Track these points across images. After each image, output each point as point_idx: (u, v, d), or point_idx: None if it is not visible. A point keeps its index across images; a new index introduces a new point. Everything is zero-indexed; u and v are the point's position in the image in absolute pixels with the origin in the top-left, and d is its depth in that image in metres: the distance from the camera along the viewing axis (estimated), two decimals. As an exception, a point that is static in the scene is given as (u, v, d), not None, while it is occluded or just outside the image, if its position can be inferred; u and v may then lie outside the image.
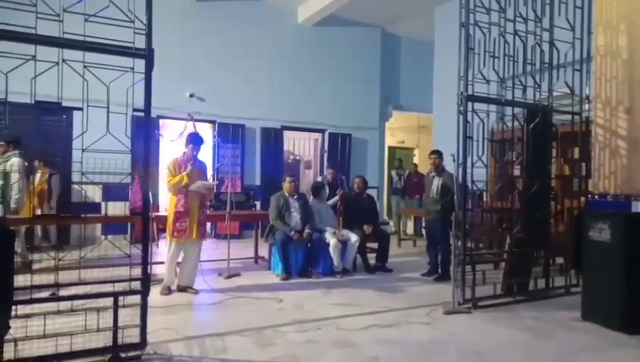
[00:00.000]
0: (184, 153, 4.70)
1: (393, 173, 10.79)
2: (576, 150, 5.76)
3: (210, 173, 7.11)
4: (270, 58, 9.33)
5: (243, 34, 9.10)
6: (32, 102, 2.75)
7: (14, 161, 5.19)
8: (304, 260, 5.64)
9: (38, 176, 6.72)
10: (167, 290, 4.61)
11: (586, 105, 5.10)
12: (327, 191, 6.62)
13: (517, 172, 5.27)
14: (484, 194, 5.32)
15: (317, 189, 6.28)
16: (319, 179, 7.06)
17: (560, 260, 5.35)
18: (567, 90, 5.04)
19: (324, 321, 3.87)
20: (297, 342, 3.39)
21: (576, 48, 4.99)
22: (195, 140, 4.71)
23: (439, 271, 5.68)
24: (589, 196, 5.06)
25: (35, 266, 2.99)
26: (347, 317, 4.02)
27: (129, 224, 7.25)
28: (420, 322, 3.92)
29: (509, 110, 4.81)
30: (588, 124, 5.12)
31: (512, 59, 4.66)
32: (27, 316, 2.75)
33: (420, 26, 10.06)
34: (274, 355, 3.12)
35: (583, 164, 5.28)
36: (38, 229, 6.86)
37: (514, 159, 5.29)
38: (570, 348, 3.42)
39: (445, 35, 8.72)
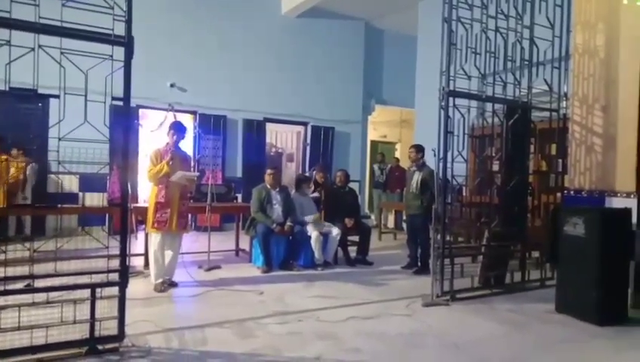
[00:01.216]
0: (167, 143, 4.61)
1: (375, 166, 10.86)
2: (554, 146, 5.88)
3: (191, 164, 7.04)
4: (253, 49, 9.24)
5: (226, 23, 8.98)
6: (7, 88, 2.68)
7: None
8: (285, 253, 5.64)
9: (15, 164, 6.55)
10: (162, 286, 4.47)
11: (564, 103, 5.20)
12: (313, 187, 6.60)
13: (496, 167, 5.36)
14: (464, 188, 5.40)
15: (300, 182, 6.27)
16: (307, 173, 7.02)
17: (536, 254, 5.47)
18: (546, 88, 5.13)
19: (305, 313, 3.88)
20: (278, 333, 3.40)
21: (555, 46, 5.07)
22: (177, 128, 4.61)
23: (419, 263, 5.75)
24: (565, 191, 5.18)
25: (10, 257, 2.91)
26: (328, 309, 4.04)
27: (107, 215, 7.13)
28: (400, 314, 3.97)
29: (489, 106, 4.87)
30: (565, 121, 5.22)
31: (493, 55, 4.72)
32: (1, 308, 2.69)
33: (404, 20, 10.09)
34: (254, 347, 3.12)
35: (560, 160, 5.39)
36: (12, 220, 6.69)
37: (493, 154, 5.38)
38: (546, 339, 3.51)
39: (428, 30, 8.75)
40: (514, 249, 5.09)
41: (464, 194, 5.75)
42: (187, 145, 7.77)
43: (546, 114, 5.22)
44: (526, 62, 4.99)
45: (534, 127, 5.29)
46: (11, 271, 2.80)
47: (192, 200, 5.64)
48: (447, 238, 4.54)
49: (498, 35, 4.72)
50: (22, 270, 2.91)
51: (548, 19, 5.06)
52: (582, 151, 5.09)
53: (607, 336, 3.61)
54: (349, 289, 4.79)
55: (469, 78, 4.54)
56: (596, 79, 4.97)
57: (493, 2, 4.68)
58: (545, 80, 5.08)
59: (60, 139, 2.79)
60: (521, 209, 5.07)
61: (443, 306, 4.24)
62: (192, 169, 4.94)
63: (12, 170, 6.35)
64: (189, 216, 5.69)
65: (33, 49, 2.68)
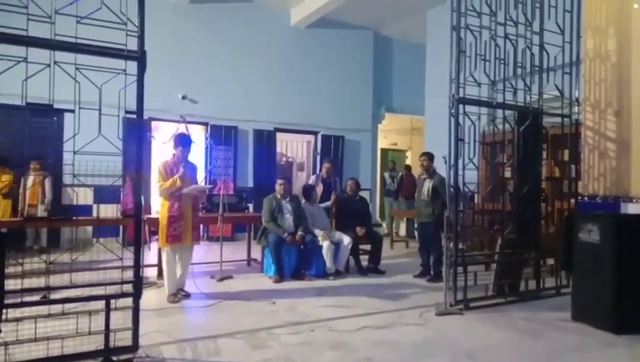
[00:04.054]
0: (174, 155, 4.62)
1: (386, 175, 10.82)
2: (566, 152, 5.83)
3: (202, 175, 7.09)
4: (263, 60, 9.34)
5: (236, 35, 9.09)
6: (24, 104, 2.74)
7: None
8: (297, 262, 5.64)
9: (31, 178, 6.69)
10: (174, 296, 4.51)
11: (576, 108, 5.16)
12: (322, 188, 6.57)
13: (508, 174, 5.32)
14: (476, 195, 5.37)
15: (307, 192, 6.28)
16: (311, 181, 7.00)
17: (550, 261, 5.39)
18: (557, 93, 5.10)
19: (318, 323, 3.87)
20: (291, 343, 3.40)
21: (565, 51, 5.05)
22: (183, 142, 4.61)
23: (431, 272, 5.71)
24: (579, 197, 5.12)
25: (26, 268, 2.96)
26: (340, 318, 4.03)
27: (120, 227, 7.20)
28: (413, 323, 3.94)
29: (500, 112, 4.85)
30: (577, 127, 5.18)
31: (502, 62, 4.71)
32: (18, 319, 2.73)
33: (413, 28, 10.12)
34: (267, 357, 3.12)
35: (573, 166, 5.34)
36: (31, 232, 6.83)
37: (505, 161, 5.34)
38: (560, 348, 3.45)
39: (437, 37, 8.78)
40: (528, 256, 5.03)
41: (476, 201, 5.71)
42: (199, 156, 7.86)
43: (558, 119, 5.18)
44: (536, 68, 4.96)
45: (546, 133, 5.25)
46: (28, 282, 2.85)
47: (204, 211, 5.68)
48: (460, 246, 4.51)
49: (507, 41, 4.71)
50: (38, 282, 2.96)
51: (558, 25, 5.04)
52: (595, 157, 5.03)
53: (624, 345, 3.54)
54: (361, 299, 4.76)
55: (479, 85, 4.53)
56: (608, 84, 4.93)
57: (502, 9, 4.68)
58: (556, 85, 5.05)
59: (75, 153, 2.84)
60: (535, 216, 5.02)
61: (456, 315, 4.20)
62: (197, 180, 4.91)
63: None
64: (201, 227, 5.73)
65: (49, 65, 2.75)
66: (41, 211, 6.65)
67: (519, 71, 4.85)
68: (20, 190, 6.67)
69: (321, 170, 7.27)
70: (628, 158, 4.74)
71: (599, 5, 5.03)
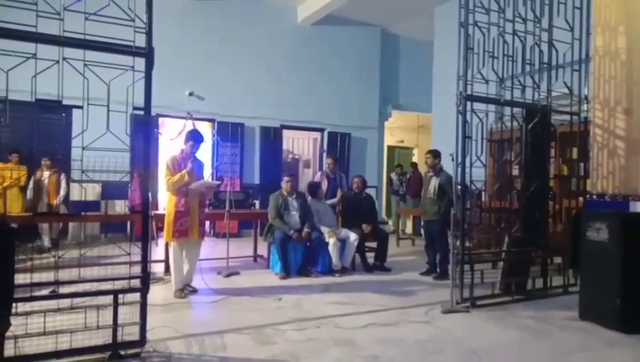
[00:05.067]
0: (182, 150, 4.64)
1: (393, 175, 10.76)
2: (575, 150, 5.78)
3: (208, 171, 7.12)
4: (270, 57, 9.34)
5: (242, 33, 9.11)
6: (33, 100, 2.76)
7: None
8: (303, 259, 5.65)
9: (46, 173, 6.76)
10: (181, 292, 4.54)
11: (585, 106, 5.12)
12: (327, 184, 6.55)
13: (515, 172, 5.29)
14: (483, 193, 5.34)
15: (313, 189, 6.27)
16: (316, 177, 6.98)
17: (558, 260, 5.36)
18: (566, 91, 5.05)
19: (323, 320, 3.88)
20: (297, 340, 3.41)
21: (575, 49, 5.00)
22: (195, 137, 4.64)
23: (438, 270, 5.70)
24: (587, 196, 5.08)
25: (35, 263, 2.99)
26: (346, 315, 4.04)
27: (128, 222, 7.26)
28: (419, 321, 3.93)
29: (507, 110, 4.81)
30: (586, 125, 5.13)
31: (511, 59, 4.67)
32: (27, 313, 2.76)
33: (420, 25, 10.08)
34: (273, 353, 3.14)
35: (582, 164, 5.30)
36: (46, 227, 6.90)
37: (512, 159, 5.31)
38: (567, 347, 3.44)
39: (445, 34, 8.74)
40: (535, 254, 5.00)
41: (483, 199, 5.68)
42: (205, 153, 7.89)
43: (567, 117, 5.13)
44: (545, 66, 4.92)
45: (554, 130, 5.21)
46: (37, 277, 2.88)
47: (210, 207, 5.71)
48: (467, 244, 4.49)
49: (516, 38, 4.67)
50: (47, 276, 2.99)
51: (567, 22, 5.00)
52: (604, 155, 4.99)
53: (631, 345, 3.52)
54: (367, 296, 4.76)
55: (487, 82, 4.50)
56: (618, 82, 4.88)
57: (511, 6, 4.64)
58: (565, 83, 5.00)
59: (83, 149, 2.86)
60: (542, 214, 4.99)
61: (463, 313, 4.19)
62: (204, 176, 4.93)
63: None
64: (207, 223, 5.74)
65: (58, 61, 2.77)
66: (62, 208, 6.73)
67: (527, 68, 4.81)
68: (30, 185, 6.73)
69: (324, 168, 7.27)
70: (637, 157, 4.70)
71: (609, 2, 4.98)
